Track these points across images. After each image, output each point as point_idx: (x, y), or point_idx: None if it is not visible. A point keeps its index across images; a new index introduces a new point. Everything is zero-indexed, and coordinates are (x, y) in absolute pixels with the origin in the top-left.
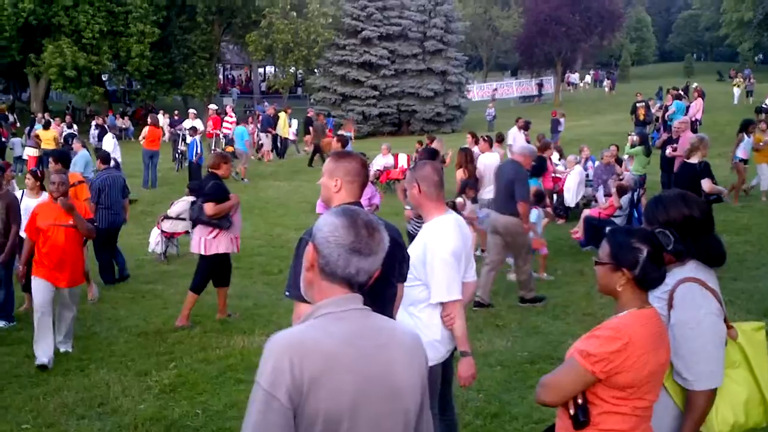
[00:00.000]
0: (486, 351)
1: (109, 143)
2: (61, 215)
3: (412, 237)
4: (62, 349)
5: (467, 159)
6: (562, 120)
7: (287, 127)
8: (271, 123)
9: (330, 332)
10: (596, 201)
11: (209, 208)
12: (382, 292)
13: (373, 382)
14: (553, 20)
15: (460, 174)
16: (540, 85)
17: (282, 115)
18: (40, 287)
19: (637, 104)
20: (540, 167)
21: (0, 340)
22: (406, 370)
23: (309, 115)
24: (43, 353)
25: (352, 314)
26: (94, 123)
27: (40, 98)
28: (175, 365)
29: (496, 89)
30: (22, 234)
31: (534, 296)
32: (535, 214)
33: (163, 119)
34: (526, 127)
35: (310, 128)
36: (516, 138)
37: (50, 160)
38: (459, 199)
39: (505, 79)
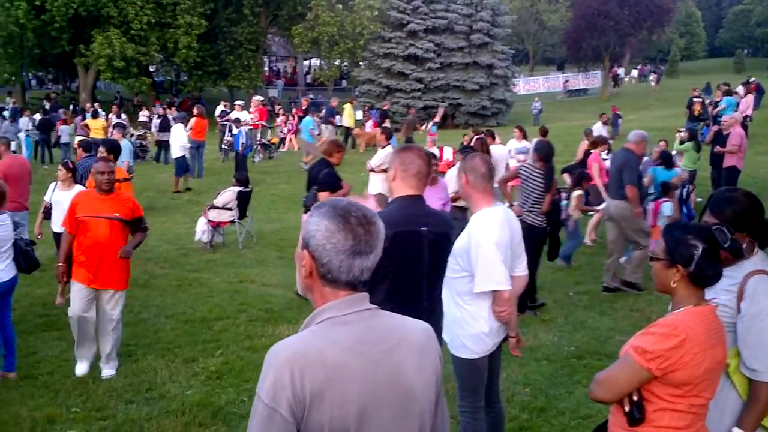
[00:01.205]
0: (532, 345)
1: (182, 134)
2: (104, 206)
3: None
4: (104, 374)
5: (483, 149)
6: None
7: (352, 117)
8: (333, 113)
9: (333, 340)
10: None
11: (323, 196)
12: (436, 286)
13: (382, 388)
14: (601, 14)
15: None
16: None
17: (347, 106)
18: (76, 292)
19: (694, 99)
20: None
21: (51, 325)
22: (418, 370)
23: (333, 104)
24: (81, 365)
25: (357, 316)
26: (156, 113)
27: (89, 88)
28: (222, 353)
29: (568, 80)
30: (60, 228)
31: (633, 282)
32: (668, 207)
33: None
34: (613, 122)
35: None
36: (601, 133)
37: (100, 149)
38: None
39: (551, 73)
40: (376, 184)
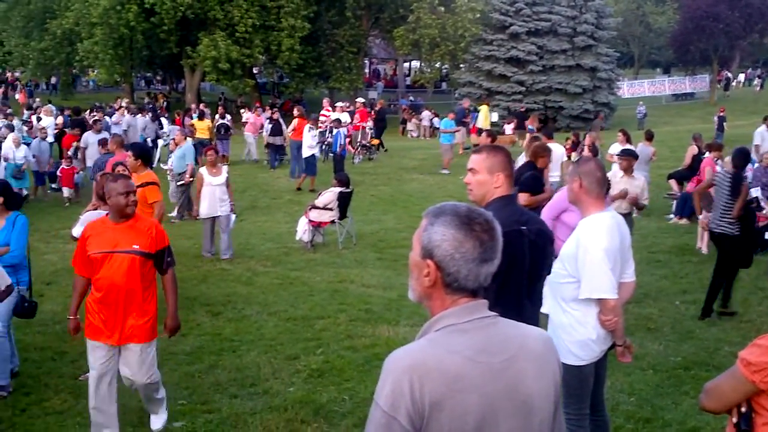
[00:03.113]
0: (638, 354)
1: (307, 136)
2: (120, 236)
3: None
4: (153, 427)
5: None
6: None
7: (488, 120)
8: (464, 115)
9: (452, 349)
10: (758, 204)
11: (523, 198)
12: (536, 287)
13: (501, 399)
14: (710, 16)
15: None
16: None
17: (483, 107)
18: (92, 351)
19: None
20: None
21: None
22: (538, 380)
23: (464, 105)
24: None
25: (477, 324)
26: (267, 118)
27: (194, 89)
28: (323, 351)
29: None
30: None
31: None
32: None
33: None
34: (718, 126)
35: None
36: (765, 137)
37: (129, 154)
38: None
39: (657, 76)
40: None
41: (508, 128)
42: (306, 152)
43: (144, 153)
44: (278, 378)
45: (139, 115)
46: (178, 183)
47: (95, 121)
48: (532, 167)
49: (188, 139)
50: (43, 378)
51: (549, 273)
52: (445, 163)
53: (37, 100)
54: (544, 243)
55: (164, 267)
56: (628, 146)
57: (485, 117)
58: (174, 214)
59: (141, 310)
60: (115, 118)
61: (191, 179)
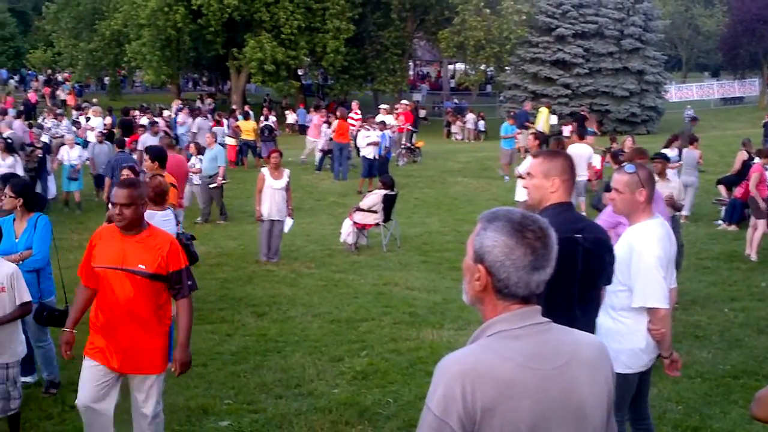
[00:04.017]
0: (686, 362)
1: (361, 137)
2: (126, 252)
3: None
4: None
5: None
6: None
7: (548, 123)
8: (526, 119)
9: (505, 356)
10: None
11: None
12: (590, 296)
13: (554, 405)
14: (760, 19)
15: None
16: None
17: (543, 110)
18: (86, 370)
19: None
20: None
21: (203, 318)
22: (591, 387)
23: (526, 108)
24: None
25: (530, 331)
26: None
27: (240, 91)
28: (367, 353)
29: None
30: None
31: None
32: None
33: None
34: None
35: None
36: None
37: (145, 157)
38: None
39: (705, 80)
40: (525, 191)
41: (567, 130)
42: (365, 153)
43: (160, 155)
44: (323, 379)
45: (200, 117)
46: (210, 186)
47: (153, 123)
48: None
49: (216, 143)
50: None
51: (608, 283)
52: (505, 169)
53: (94, 100)
54: (601, 252)
55: (181, 291)
56: (675, 150)
57: (545, 120)
58: (199, 219)
59: (150, 337)
60: (180, 118)
61: (223, 181)
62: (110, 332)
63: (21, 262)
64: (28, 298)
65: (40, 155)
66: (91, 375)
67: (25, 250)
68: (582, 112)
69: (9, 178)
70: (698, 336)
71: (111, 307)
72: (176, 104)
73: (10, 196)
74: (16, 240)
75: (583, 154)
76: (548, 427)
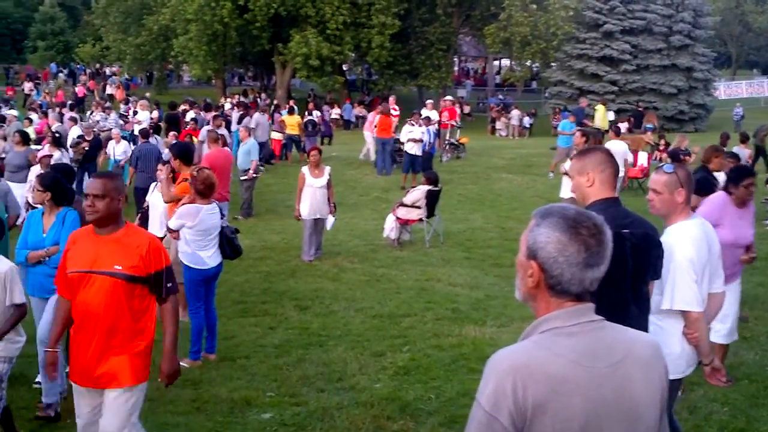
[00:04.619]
0: (732, 363)
1: (405, 132)
2: (101, 252)
3: None
4: None
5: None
6: None
7: (606, 120)
8: (584, 116)
9: (557, 352)
10: None
11: (693, 200)
12: (641, 291)
13: (607, 404)
14: None
15: None
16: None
17: (600, 107)
18: (75, 397)
19: None
20: None
21: (247, 311)
22: (645, 387)
23: (583, 105)
24: None
25: (583, 328)
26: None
27: (285, 86)
28: (409, 349)
29: None
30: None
31: None
32: None
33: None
34: None
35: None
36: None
37: (170, 154)
38: None
39: (755, 77)
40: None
41: (623, 127)
42: (407, 149)
43: (184, 151)
44: (365, 374)
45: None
46: (242, 179)
47: (216, 117)
48: (705, 170)
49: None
50: None
51: (657, 277)
52: (552, 166)
53: (147, 94)
54: (649, 247)
55: (162, 294)
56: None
57: (603, 116)
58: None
59: (127, 347)
60: (235, 114)
61: (255, 175)
62: (82, 345)
63: (48, 259)
64: (20, 300)
65: (86, 148)
66: (80, 400)
67: (52, 245)
68: (638, 108)
69: (59, 169)
70: (746, 337)
71: (83, 315)
72: (233, 99)
73: (39, 190)
74: (44, 235)
75: (618, 151)
76: (600, 426)
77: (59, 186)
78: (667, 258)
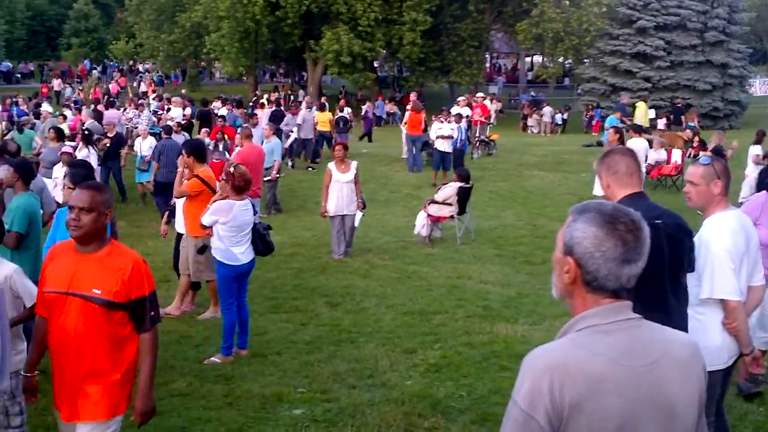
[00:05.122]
0: None
1: (435, 129)
2: (80, 272)
3: None
4: None
5: (621, 142)
6: None
7: (647, 116)
8: (626, 112)
9: (595, 351)
10: None
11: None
12: (678, 283)
13: (643, 404)
14: None
15: None
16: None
17: (641, 104)
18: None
19: None
20: None
21: (278, 307)
22: (682, 387)
23: (624, 101)
24: None
25: (620, 326)
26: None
27: (316, 82)
28: (440, 346)
29: None
30: (182, 228)
31: None
32: None
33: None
34: None
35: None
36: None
37: (183, 152)
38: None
39: None
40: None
41: (661, 123)
42: (437, 146)
43: (197, 149)
44: (396, 371)
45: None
46: (265, 179)
47: (251, 115)
48: None
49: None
50: (169, 360)
51: (691, 269)
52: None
53: (183, 91)
54: (682, 236)
55: (144, 323)
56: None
57: (644, 113)
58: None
59: (103, 377)
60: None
61: (278, 176)
62: (56, 373)
63: None
64: (30, 303)
65: (108, 145)
66: (60, 428)
67: None
68: (676, 104)
69: (78, 165)
70: None
71: (57, 340)
72: (273, 96)
73: (69, 188)
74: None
75: (640, 148)
76: (637, 426)
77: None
78: (705, 248)
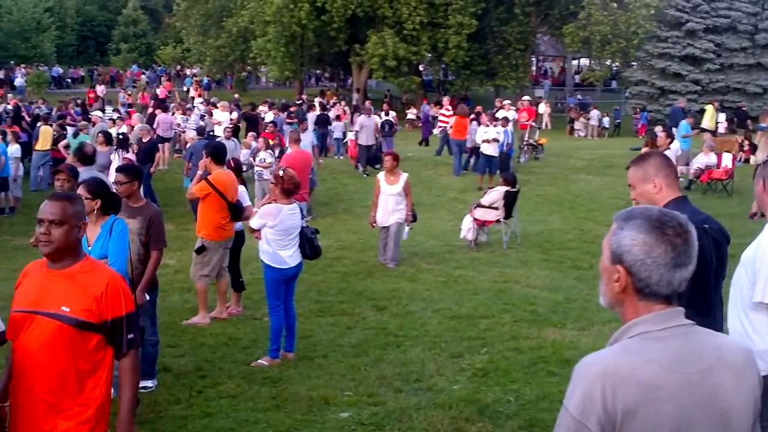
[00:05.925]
0: None
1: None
2: (49, 289)
3: None
4: None
5: (653, 145)
6: None
7: (714, 120)
8: (683, 116)
9: (648, 357)
10: None
11: None
12: (719, 288)
13: (697, 411)
14: None
15: None
16: None
17: (709, 108)
18: None
19: None
20: None
21: (325, 311)
22: (737, 394)
23: (680, 105)
24: None
25: (673, 332)
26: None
27: (362, 86)
28: (487, 351)
29: None
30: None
31: None
32: None
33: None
34: None
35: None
36: None
37: (204, 153)
38: None
39: None
40: None
41: (722, 127)
42: (483, 150)
43: (216, 151)
44: (443, 375)
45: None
46: None
47: (302, 121)
48: None
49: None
50: (217, 362)
51: (723, 277)
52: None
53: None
54: (723, 241)
55: (121, 347)
56: None
57: (711, 117)
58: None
59: (74, 408)
60: (332, 113)
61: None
62: (20, 402)
63: None
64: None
65: (137, 151)
66: None
67: (101, 259)
68: (742, 107)
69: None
70: None
71: (22, 364)
72: (324, 99)
73: (87, 198)
74: (89, 248)
75: (670, 151)
76: None
77: (108, 192)
78: (762, 250)
